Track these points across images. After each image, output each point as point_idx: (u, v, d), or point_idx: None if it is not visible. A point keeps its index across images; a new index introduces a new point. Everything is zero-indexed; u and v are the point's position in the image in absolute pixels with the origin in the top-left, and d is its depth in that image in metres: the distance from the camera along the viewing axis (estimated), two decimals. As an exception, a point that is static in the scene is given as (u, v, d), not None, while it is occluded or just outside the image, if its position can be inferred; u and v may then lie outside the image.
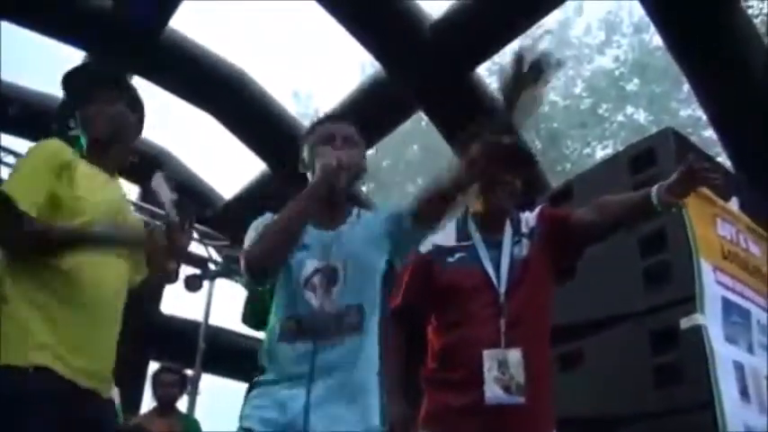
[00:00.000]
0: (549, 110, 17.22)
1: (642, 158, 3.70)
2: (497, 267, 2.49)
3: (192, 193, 9.55)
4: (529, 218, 2.64)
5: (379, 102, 7.14)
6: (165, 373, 5.33)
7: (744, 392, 3.12)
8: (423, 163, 17.84)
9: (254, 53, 16.07)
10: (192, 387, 6.45)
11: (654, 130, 17.63)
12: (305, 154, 2.31)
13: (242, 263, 1.99)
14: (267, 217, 2.20)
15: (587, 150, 17.99)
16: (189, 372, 5.97)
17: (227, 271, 8.90)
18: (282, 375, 1.95)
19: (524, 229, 2.60)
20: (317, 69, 25.18)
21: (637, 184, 3.71)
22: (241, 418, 1.99)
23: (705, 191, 3.54)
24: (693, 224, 3.36)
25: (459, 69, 6.35)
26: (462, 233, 2.62)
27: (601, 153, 18.21)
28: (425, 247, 2.57)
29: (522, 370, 2.31)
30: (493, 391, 2.29)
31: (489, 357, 2.33)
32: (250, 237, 2.10)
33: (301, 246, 2.05)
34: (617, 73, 16.82)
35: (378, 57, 6.85)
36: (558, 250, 2.57)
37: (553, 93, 17.86)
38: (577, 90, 17.58)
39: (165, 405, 5.21)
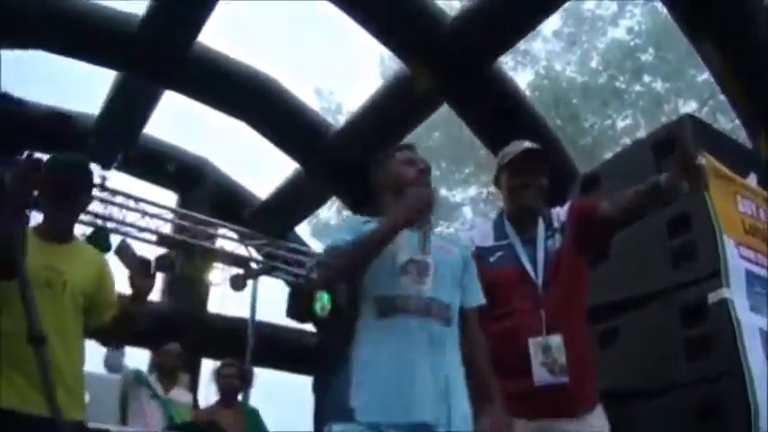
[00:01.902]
0: (567, 86, 17.30)
1: (663, 144, 3.93)
2: (534, 263, 2.74)
3: (229, 196, 9.95)
4: (560, 213, 2.87)
5: (403, 98, 7.40)
6: (227, 367, 5.66)
7: (770, 358, 3.37)
8: (444, 148, 18.03)
9: (273, 53, 16.30)
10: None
11: (672, 98, 17.78)
12: (383, 176, 2.50)
13: (323, 271, 2.24)
14: (353, 220, 2.49)
15: (608, 122, 18.07)
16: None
17: (269, 268, 9.28)
18: None
19: (556, 225, 2.83)
20: (337, 64, 25.40)
21: (659, 168, 3.97)
22: None
23: (724, 170, 3.80)
24: (715, 204, 3.59)
25: (479, 62, 6.57)
26: (500, 233, 2.86)
27: (621, 124, 18.29)
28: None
29: (564, 353, 2.58)
30: (540, 375, 2.56)
31: (534, 345, 2.59)
32: (334, 234, 2.38)
33: None
34: (632, 44, 16.84)
35: (399, 55, 7.12)
36: (586, 241, 2.80)
37: (569, 69, 17.97)
38: (593, 64, 17.63)
39: (228, 396, 5.54)
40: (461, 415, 2.18)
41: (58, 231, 2.80)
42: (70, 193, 2.79)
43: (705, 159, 3.64)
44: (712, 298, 3.44)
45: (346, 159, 8.26)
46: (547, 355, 2.59)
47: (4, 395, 2.42)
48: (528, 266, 2.73)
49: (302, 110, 8.59)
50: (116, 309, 2.84)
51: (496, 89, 6.66)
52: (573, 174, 6.67)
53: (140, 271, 2.87)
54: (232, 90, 7.94)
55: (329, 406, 2.32)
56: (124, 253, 7.07)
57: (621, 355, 3.68)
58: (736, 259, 3.54)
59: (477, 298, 2.44)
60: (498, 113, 6.75)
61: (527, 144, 2.87)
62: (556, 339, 2.59)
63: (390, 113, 7.78)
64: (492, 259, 2.78)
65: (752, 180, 3.99)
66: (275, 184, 9.90)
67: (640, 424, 3.39)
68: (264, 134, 8.53)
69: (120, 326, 2.83)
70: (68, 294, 2.70)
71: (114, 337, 3.01)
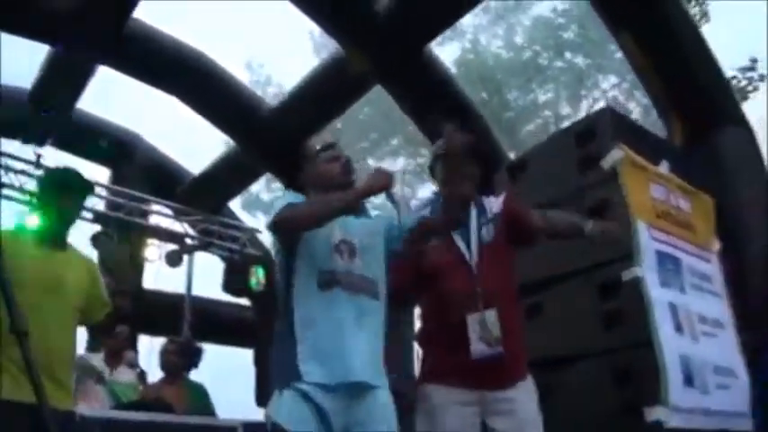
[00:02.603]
0: (492, 62, 17.72)
1: (584, 135, 4.30)
2: (468, 246, 3.00)
3: (161, 172, 9.95)
4: (493, 203, 3.13)
5: (338, 78, 7.58)
6: (168, 344, 5.82)
7: (678, 327, 3.81)
8: (373, 121, 18.25)
9: (203, 27, 16.10)
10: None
11: (592, 73, 18.42)
12: (310, 174, 2.75)
13: (273, 219, 2.46)
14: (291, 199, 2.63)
15: (530, 97, 18.62)
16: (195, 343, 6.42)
17: (204, 244, 9.38)
18: None
19: (489, 215, 3.09)
20: (267, 38, 25.12)
21: (581, 156, 4.35)
22: None
23: (639, 159, 4.19)
24: (630, 191, 3.98)
25: (412, 45, 6.81)
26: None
27: (543, 98, 18.87)
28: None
29: (498, 326, 2.85)
30: (478, 348, 2.83)
31: (471, 320, 2.86)
32: (284, 202, 2.54)
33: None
34: (556, 22, 17.36)
35: (334, 37, 7.28)
36: (514, 238, 3.08)
37: (495, 44, 18.38)
38: (518, 40, 18.10)
39: (171, 373, 5.70)
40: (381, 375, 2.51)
41: (57, 239, 3.09)
42: (72, 207, 3.10)
43: (623, 150, 4.05)
44: (626, 276, 3.85)
45: (282, 137, 8.40)
46: (483, 329, 2.85)
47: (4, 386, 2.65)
48: (463, 250, 2.99)
49: (237, 87, 8.67)
50: (109, 307, 3.16)
51: (429, 72, 6.92)
52: (499, 155, 7.05)
53: None
54: (167, 67, 7.94)
55: (273, 372, 2.58)
56: None
57: (546, 328, 4.05)
58: (648, 241, 3.95)
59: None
60: (429, 96, 7.01)
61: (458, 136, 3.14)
62: (491, 314, 2.85)
63: (325, 92, 7.95)
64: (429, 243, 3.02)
65: (664, 167, 4.40)
66: (204, 160, 10.01)
67: (564, 389, 3.77)
68: (199, 111, 8.56)
69: (111, 321, 3.10)
70: (70, 296, 3.00)
71: (105, 332, 3.26)
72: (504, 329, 2.85)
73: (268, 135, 8.50)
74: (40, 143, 7.82)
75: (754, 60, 9.40)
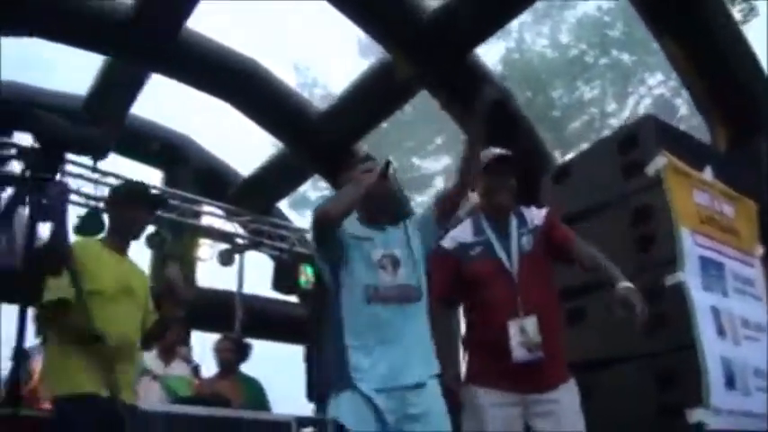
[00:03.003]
0: (538, 60, 17.71)
1: (628, 142, 4.39)
2: (509, 255, 3.15)
3: (212, 174, 10.26)
4: (535, 215, 3.28)
5: (384, 83, 7.76)
6: (223, 341, 6.06)
7: (720, 331, 3.90)
8: (416, 121, 18.38)
9: (252, 31, 16.45)
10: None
11: (638, 70, 18.26)
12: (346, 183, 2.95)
13: (313, 216, 2.74)
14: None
15: (576, 94, 18.57)
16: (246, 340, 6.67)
17: (255, 243, 9.65)
18: None
19: (531, 225, 3.24)
20: (313, 40, 25.50)
21: (624, 163, 4.44)
22: None
23: (683, 166, 4.27)
24: (674, 197, 4.07)
25: (458, 51, 6.94)
26: (478, 229, 3.27)
27: (588, 95, 18.79)
28: (450, 243, 3.25)
29: (538, 332, 2.99)
30: (519, 353, 2.98)
31: (512, 326, 3.01)
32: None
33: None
34: (601, 20, 17.29)
35: (380, 42, 7.45)
36: (552, 257, 3.22)
37: (540, 42, 18.37)
38: (564, 39, 18.07)
39: (225, 368, 5.94)
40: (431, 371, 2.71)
41: (123, 247, 3.35)
42: (141, 220, 3.37)
43: (666, 156, 4.14)
44: (669, 281, 3.94)
45: (330, 139, 8.63)
46: (524, 335, 3.00)
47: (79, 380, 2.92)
48: (504, 259, 3.14)
49: (286, 91, 8.92)
50: (156, 315, 3.38)
51: (474, 77, 7.03)
52: (545, 158, 7.13)
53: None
54: (218, 73, 8.21)
55: (324, 375, 2.87)
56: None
57: (588, 331, 4.16)
58: (692, 246, 4.04)
59: None
60: (473, 99, 7.12)
61: (498, 151, 3.28)
62: (531, 320, 3.00)
63: (372, 96, 8.15)
64: (473, 253, 3.20)
65: (707, 173, 4.48)
66: (253, 162, 10.29)
67: (606, 392, 3.88)
68: (249, 115, 8.83)
69: (158, 330, 3.34)
70: (138, 300, 3.28)
71: (151, 340, 3.50)
72: (543, 335, 2.99)
73: (316, 138, 8.74)
74: (101, 156, 8.11)
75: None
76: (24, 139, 2.34)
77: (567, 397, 3.00)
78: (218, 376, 5.94)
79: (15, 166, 2.98)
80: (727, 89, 5.29)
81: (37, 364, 4.62)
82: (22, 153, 2.55)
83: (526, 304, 3.04)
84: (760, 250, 4.52)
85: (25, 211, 2.44)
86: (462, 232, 3.29)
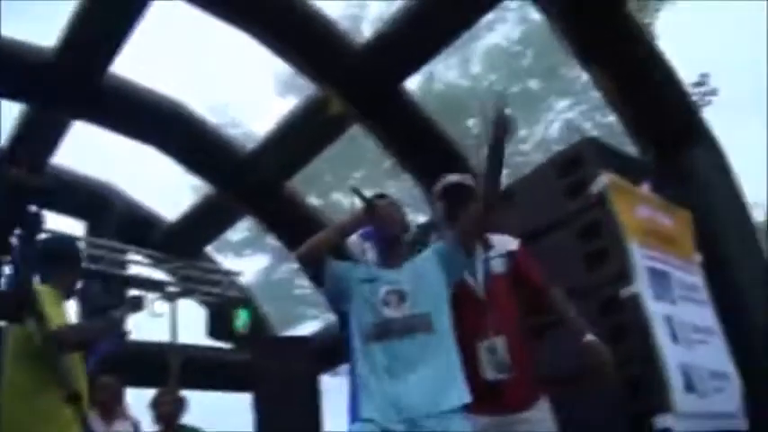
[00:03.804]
0: (451, 91, 18.14)
1: (569, 164, 4.56)
2: (475, 277, 3.22)
3: (136, 221, 9.99)
4: (506, 240, 3.37)
5: (316, 119, 7.78)
6: (160, 395, 5.92)
7: (674, 337, 4.06)
8: (335, 158, 18.37)
9: (166, 71, 16.22)
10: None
11: (548, 96, 18.96)
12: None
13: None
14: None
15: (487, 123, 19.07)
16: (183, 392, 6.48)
17: (186, 290, 9.41)
18: None
19: (501, 250, 3.32)
20: (230, 82, 25.38)
21: (566, 185, 4.60)
22: None
23: (624, 183, 4.46)
24: (619, 213, 4.24)
25: (388, 85, 7.05)
26: None
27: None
28: None
29: (507, 352, 3.07)
30: (489, 373, 3.04)
31: (482, 347, 3.08)
32: None
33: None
34: (510, 50, 17.92)
35: (310, 77, 7.48)
36: (519, 291, 3.30)
37: (452, 74, 18.84)
38: (473, 68, 18.61)
39: (165, 423, 5.78)
40: (451, 401, 2.70)
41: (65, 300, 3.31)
42: (74, 276, 3.45)
43: (608, 176, 4.32)
44: (624, 293, 4.09)
45: (260, 179, 8.57)
46: (494, 355, 3.07)
47: None
48: (470, 281, 3.20)
49: (212, 132, 8.81)
50: None
51: (405, 110, 7.16)
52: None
53: None
54: (143, 117, 8.04)
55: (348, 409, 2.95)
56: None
57: (552, 347, 4.24)
58: (640, 259, 4.20)
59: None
60: (407, 132, 7.27)
61: (457, 177, 3.40)
62: (500, 340, 3.08)
63: (301, 135, 8.15)
64: None
65: (645, 188, 4.69)
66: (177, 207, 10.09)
67: (574, 404, 3.96)
68: (177, 160, 8.68)
69: None
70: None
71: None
72: (513, 355, 3.06)
73: (245, 178, 8.65)
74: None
75: (705, 75, 9.89)
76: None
77: (539, 416, 3.07)
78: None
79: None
80: (653, 110, 5.57)
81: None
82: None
83: (494, 325, 3.10)
84: (698, 258, 4.74)
85: None
86: None
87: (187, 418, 5.97)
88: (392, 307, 2.78)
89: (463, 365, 2.96)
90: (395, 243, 2.98)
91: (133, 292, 8.64)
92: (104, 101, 7.51)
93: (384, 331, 2.74)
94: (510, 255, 3.30)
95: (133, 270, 9.43)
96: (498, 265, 3.27)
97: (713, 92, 9.94)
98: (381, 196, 3.06)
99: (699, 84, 9.74)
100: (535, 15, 16.95)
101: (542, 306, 3.30)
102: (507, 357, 3.07)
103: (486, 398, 2.96)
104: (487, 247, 3.32)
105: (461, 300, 3.12)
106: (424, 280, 2.87)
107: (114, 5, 6.63)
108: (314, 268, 2.86)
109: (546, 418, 3.13)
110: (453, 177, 3.42)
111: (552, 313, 3.28)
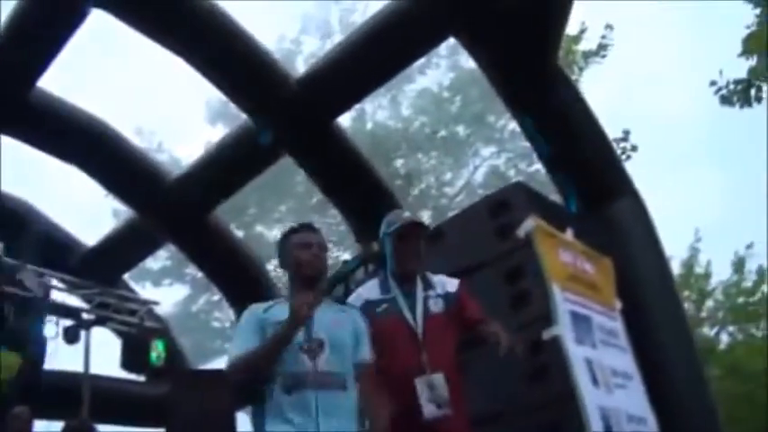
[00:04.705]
0: (380, 130, 18.36)
1: (498, 206, 4.68)
2: (413, 313, 3.23)
3: (55, 243, 9.62)
4: (445, 282, 3.40)
5: (246, 148, 7.73)
6: (68, 426, 5.71)
7: (594, 380, 4.16)
8: (259, 190, 18.30)
9: (94, 91, 15.85)
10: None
11: (475, 142, 19.41)
12: (282, 256, 3.02)
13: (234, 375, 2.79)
14: (253, 313, 2.89)
15: (414, 164, 19.36)
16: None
17: (102, 318, 9.09)
18: None
19: (440, 290, 3.34)
20: (160, 106, 25.01)
21: (496, 226, 4.71)
22: None
23: (549, 228, 4.59)
24: (544, 257, 4.36)
25: (322, 120, 7.09)
26: (385, 288, 3.34)
27: (426, 165, 19.66)
28: (357, 301, 3.28)
29: (446, 388, 3.08)
30: (428, 409, 3.03)
31: (420, 383, 3.07)
32: (237, 338, 2.85)
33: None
34: (440, 95, 18.33)
35: (244, 108, 7.46)
36: (457, 330, 3.32)
37: (381, 114, 19.12)
38: (404, 111, 18.93)
39: None
40: None
41: None
42: None
43: (535, 220, 4.44)
44: (546, 335, 4.18)
45: (184, 206, 8.41)
46: (432, 391, 3.07)
47: None
48: (408, 317, 3.22)
49: (138, 156, 8.63)
50: None
51: (337, 145, 7.20)
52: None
53: None
54: (69, 136, 7.82)
55: None
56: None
57: (475, 385, 4.29)
58: (563, 302, 4.31)
59: (365, 354, 2.93)
60: (338, 167, 7.30)
61: (409, 216, 3.43)
62: (438, 377, 3.08)
63: (231, 162, 8.06)
64: (378, 310, 3.24)
65: (569, 234, 4.83)
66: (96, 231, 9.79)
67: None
68: (101, 182, 8.47)
69: None
70: None
71: None
72: (450, 391, 3.07)
73: (169, 204, 8.47)
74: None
75: (627, 132, 10.33)
76: None
77: None
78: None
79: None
80: (580, 162, 5.79)
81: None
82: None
83: (431, 362, 3.11)
84: (618, 304, 4.90)
85: None
86: (369, 290, 3.34)
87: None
88: (310, 357, 2.72)
89: (401, 401, 3.00)
90: (312, 285, 2.92)
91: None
92: (30, 115, 7.27)
93: (300, 383, 2.67)
94: (448, 295, 3.32)
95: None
96: (436, 305, 3.28)
97: (634, 148, 10.35)
98: (308, 226, 3.06)
99: (622, 139, 10.15)
100: (466, 63, 17.53)
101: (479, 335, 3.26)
102: (446, 393, 3.07)
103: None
104: (427, 286, 3.34)
105: (398, 336, 3.17)
106: (343, 337, 2.86)
107: (47, 19, 6.47)
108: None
109: None
110: (407, 215, 3.44)
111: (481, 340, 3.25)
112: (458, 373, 3.27)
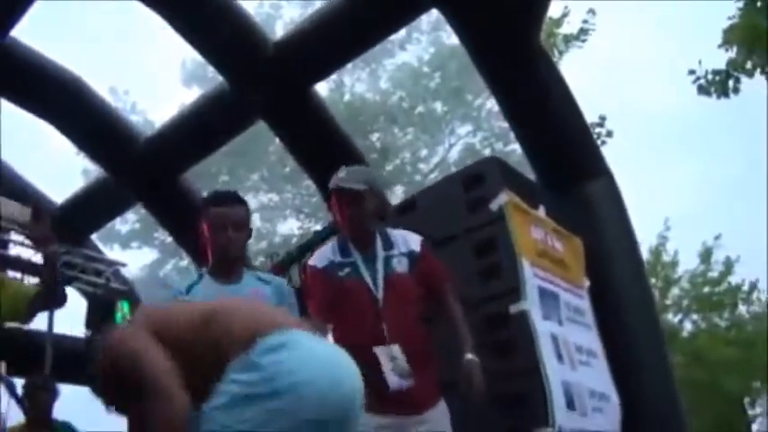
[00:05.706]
0: (357, 102, 18.26)
1: (472, 180, 4.66)
2: (375, 280, 3.12)
3: (23, 200, 9.44)
4: (408, 239, 3.28)
5: (221, 111, 7.61)
6: (37, 384, 5.56)
7: (559, 356, 4.20)
8: (232, 157, 18.14)
9: (69, 47, 15.50)
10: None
11: (452, 120, 19.40)
12: (201, 224, 2.94)
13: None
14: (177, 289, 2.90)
15: (390, 139, 19.32)
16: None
17: (68, 278, 8.95)
18: None
19: (403, 248, 3.21)
20: (136, 67, 24.58)
21: (469, 199, 4.69)
22: None
23: (522, 203, 4.59)
24: (515, 232, 4.36)
25: (299, 85, 7.00)
26: (345, 251, 3.20)
27: (402, 140, 19.63)
28: (321, 262, 3.17)
29: (405, 359, 3.01)
30: (392, 381, 2.98)
31: (381, 353, 3.00)
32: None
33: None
34: (419, 71, 18.24)
35: (221, 70, 7.34)
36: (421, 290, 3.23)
37: (360, 86, 19.00)
38: (383, 84, 18.82)
39: (41, 414, 5.42)
40: None
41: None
42: None
43: (508, 195, 4.44)
44: (513, 309, 4.20)
45: (156, 167, 8.29)
46: (394, 362, 3.02)
47: None
48: (369, 283, 3.11)
49: (113, 115, 8.48)
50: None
51: (314, 112, 7.12)
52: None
53: None
54: (43, 90, 7.62)
55: None
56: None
57: (438, 357, 4.30)
58: (531, 277, 4.34)
59: None
60: (314, 136, 7.23)
61: (337, 178, 3.19)
62: (396, 348, 3.03)
63: (205, 124, 7.93)
64: (341, 274, 3.15)
65: (541, 211, 4.85)
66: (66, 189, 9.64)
67: (458, 413, 4.02)
68: (72, 139, 8.30)
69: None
70: None
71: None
72: (413, 361, 3.03)
73: (141, 165, 8.34)
74: None
75: (603, 118, 10.38)
76: None
77: (439, 416, 3.10)
78: (31, 424, 5.41)
79: None
80: (555, 141, 5.79)
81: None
82: None
83: (391, 331, 3.05)
84: (587, 283, 4.94)
85: None
86: (331, 252, 3.22)
87: (60, 413, 5.66)
88: None
89: (363, 367, 2.98)
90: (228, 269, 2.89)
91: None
92: (3, 65, 7.06)
93: None
94: (412, 254, 3.21)
95: (13, 251, 8.93)
96: (400, 264, 3.18)
97: (609, 133, 10.41)
98: (226, 199, 2.96)
99: (598, 125, 10.20)
100: (447, 40, 17.45)
101: (436, 307, 3.25)
102: (406, 364, 3.02)
103: (387, 400, 2.92)
104: (388, 245, 3.22)
105: (360, 300, 3.09)
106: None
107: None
108: None
109: (444, 419, 3.13)
110: (340, 176, 3.21)
111: (443, 315, 3.24)
112: (423, 338, 3.20)
